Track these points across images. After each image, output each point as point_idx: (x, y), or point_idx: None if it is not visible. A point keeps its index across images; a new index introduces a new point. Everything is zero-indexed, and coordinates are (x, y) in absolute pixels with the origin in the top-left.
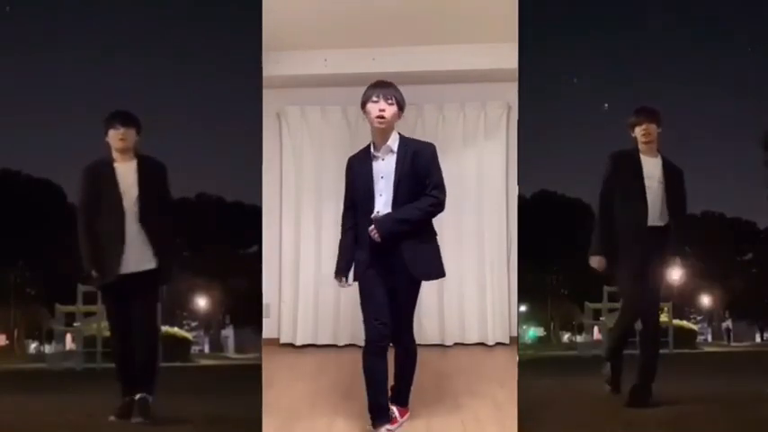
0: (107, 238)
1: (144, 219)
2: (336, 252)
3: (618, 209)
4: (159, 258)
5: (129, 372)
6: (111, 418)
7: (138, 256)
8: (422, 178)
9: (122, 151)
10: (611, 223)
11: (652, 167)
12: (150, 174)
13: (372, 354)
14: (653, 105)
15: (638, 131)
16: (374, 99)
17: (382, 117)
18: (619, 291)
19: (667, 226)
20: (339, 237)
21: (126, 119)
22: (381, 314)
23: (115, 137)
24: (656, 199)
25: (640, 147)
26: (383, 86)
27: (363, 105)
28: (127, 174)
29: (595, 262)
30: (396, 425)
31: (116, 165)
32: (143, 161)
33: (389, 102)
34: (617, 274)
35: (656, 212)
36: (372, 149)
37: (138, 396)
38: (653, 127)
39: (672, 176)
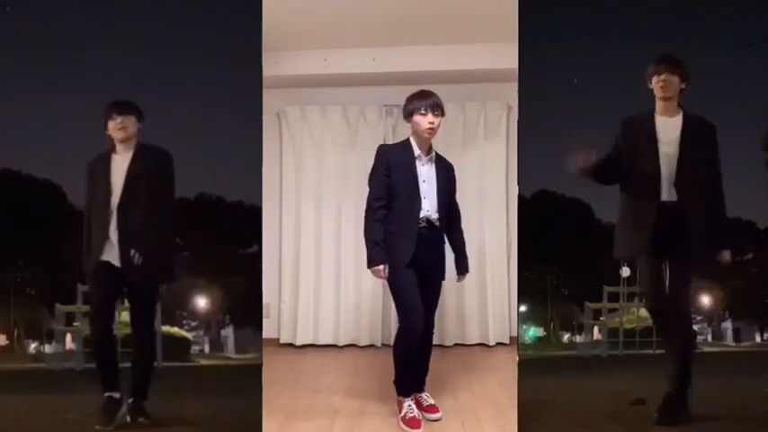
0: (95, 229)
1: (126, 211)
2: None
3: (630, 184)
4: (150, 255)
5: (109, 368)
6: (97, 427)
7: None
8: (450, 194)
9: (123, 141)
10: (626, 203)
11: (670, 130)
12: (145, 163)
13: (409, 341)
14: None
15: (656, 83)
16: (422, 112)
17: (432, 129)
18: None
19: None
20: (339, 236)
21: (123, 106)
22: (418, 310)
23: (114, 127)
24: (675, 167)
25: (657, 105)
26: (430, 98)
27: (410, 115)
28: (122, 164)
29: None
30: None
31: (114, 155)
32: (140, 150)
33: (436, 113)
34: (637, 264)
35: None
36: (416, 151)
37: (130, 400)
38: (675, 79)
39: (693, 135)
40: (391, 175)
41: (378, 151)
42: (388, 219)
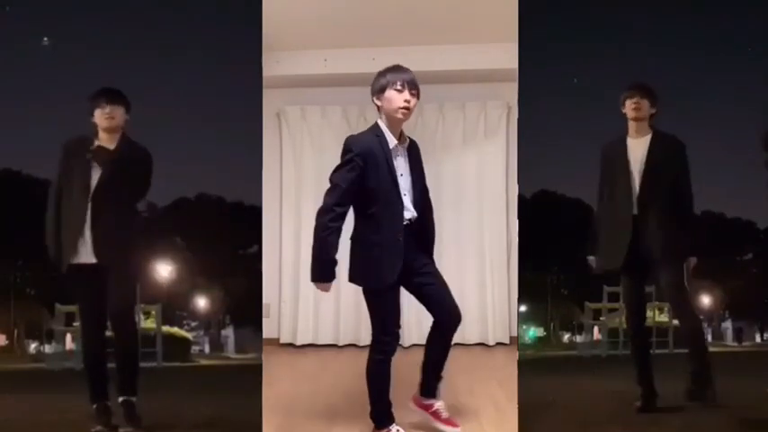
0: (69, 223)
1: (102, 208)
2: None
3: (606, 199)
4: (116, 252)
5: (98, 373)
6: (98, 428)
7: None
8: (423, 179)
9: (109, 131)
10: (602, 216)
11: (639, 150)
12: (130, 160)
13: (387, 361)
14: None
15: (629, 105)
16: (398, 87)
17: (407, 109)
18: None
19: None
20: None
21: (113, 96)
22: (398, 321)
23: (101, 116)
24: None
25: (630, 126)
26: (407, 73)
27: (381, 90)
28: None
29: (592, 261)
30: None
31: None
32: (123, 145)
33: (413, 92)
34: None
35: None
36: (390, 142)
37: (120, 399)
38: (645, 103)
39: (659, 151)
40: (368, 176)
41: (349, 145)
42: (369, 228)
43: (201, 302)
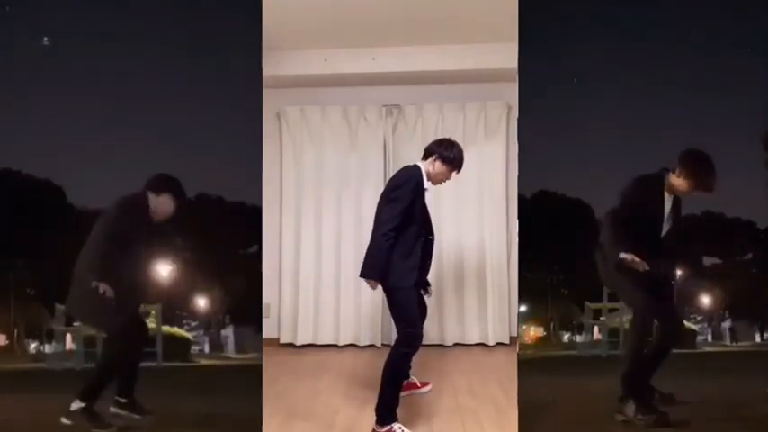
0: (131, 278)
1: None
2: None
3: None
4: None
5: (108, 382)
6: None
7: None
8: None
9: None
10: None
11: (667, 207)
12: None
13: (412, 355)
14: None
15: (689, 185)
16: (456, 171)
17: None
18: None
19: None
20: (339, 235)
21: (172, 187)
22: (420, 321)
23: (162, 206)
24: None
25: (668, 186)
26: (463, 158)
27: (446, 162)
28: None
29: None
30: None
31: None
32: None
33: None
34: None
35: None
36: (425, 183)
37: (124, 400)
38: (697, 194)
39: (677, 209)
40: (416, 203)
41: (412, 173)
42: (406, 240)
43: (201, 302)
